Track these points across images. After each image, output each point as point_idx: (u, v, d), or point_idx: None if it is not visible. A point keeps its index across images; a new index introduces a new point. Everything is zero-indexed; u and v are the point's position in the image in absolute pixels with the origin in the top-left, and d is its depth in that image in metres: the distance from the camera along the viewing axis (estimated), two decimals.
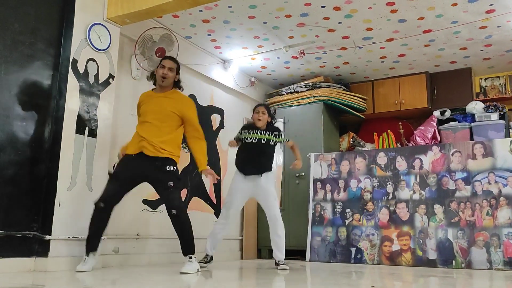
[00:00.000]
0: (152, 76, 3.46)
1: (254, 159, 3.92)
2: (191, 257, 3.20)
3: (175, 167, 3.27)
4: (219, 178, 3.38)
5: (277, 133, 4.00)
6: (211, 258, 3.88)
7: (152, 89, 3.49)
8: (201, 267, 3.48)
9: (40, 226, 3.22)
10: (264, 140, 3.94)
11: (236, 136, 4.12)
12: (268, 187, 3.92)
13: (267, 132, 3.97)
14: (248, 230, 5.54)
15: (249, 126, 4.05)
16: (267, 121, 4.00)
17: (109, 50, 3.74)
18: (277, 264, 3.90)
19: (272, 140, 3.96)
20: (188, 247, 3.22)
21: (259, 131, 3.96)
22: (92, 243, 3.14)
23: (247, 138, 3.95)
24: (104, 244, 3.62)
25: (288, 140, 4.15)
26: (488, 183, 4.42)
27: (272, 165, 4.07)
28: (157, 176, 3.22)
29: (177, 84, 3.45)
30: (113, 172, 3.32)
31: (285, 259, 3.98)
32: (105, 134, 3.65)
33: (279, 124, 5.84)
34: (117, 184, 3.20)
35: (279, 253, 3.93)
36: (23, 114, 3.22)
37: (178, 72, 3.43)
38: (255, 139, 3.93)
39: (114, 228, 3.81)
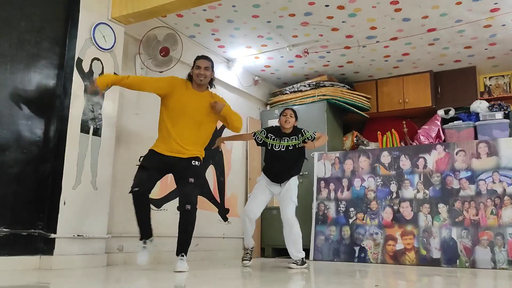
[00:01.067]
0: (189, 77, 3.44)
1: (284, 169, 3.94)
2: (183, 255, 3.21)
3: (199, 162, 3.32)
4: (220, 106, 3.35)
5: (300, 133, 3.94)
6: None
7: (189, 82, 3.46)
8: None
9: (45, 224, 3.24)
10: (291, 146, 3.92)
11: (258, 135, 4.02)
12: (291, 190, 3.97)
13: (293, 138, 3.93)
14: (255, 229, 5.53)
15: (275, 131, 4.00)
16: (294, 125, 4.00)
17: (113, 50, 3.75)
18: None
19: (299, 143, 3.91)
20: (186, 246, 3.23)
21: (285, 138, 3.93)
22: (144, 231, 3.22)
23: (275, 146, 3.93)
24: (109, 242, 3.64)
25: (314, 133, 4.00)
26: (492, 182, 4.41)
27: (300, 167, 4.07)
28: (181, 169, 3.25)
29: (211, 82, 3.49)
30: (141, 164, 3.29)
31: (289, 257, 4.01)
32: (109, 133, 3.67)
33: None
34: (147, 172, 3.21)
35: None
36: (28, 113, 3.24)
37: (213, 70, 3.46)
38: (283, 147, 3.91)
39: (118, 227, 3.83)
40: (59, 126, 3.39)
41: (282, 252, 5.65)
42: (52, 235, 3.17)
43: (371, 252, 4.77)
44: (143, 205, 3.20)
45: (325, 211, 5.15)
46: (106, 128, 3.63)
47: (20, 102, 3.20)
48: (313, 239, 5.10)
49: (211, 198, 5.08)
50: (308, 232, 5.16)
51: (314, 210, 5.22)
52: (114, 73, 3.65)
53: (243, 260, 4.02)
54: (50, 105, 3.40)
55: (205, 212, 4.94)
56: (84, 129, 3.47)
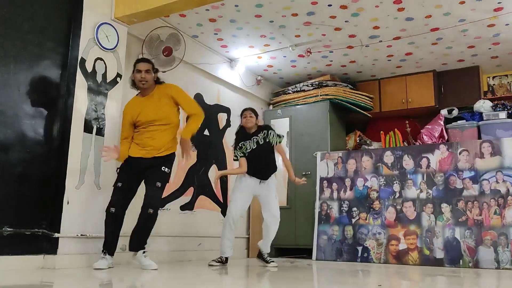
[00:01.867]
0: (133, 84, 3.41)
1: (262, 165, 4.02)
2: (145, 252, 3.22)
3: (169, 170, 3.31)
4: (192, 151, 3.34)
5: (266, 131, 4.05)
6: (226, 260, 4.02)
7: (136, 95, 3.47)
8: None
9: (49, 223, 3.25)
10: (261, 140, 4.02)
11: (238, 153, 4.03)
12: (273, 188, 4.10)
13: (259, 134, 4.03)
14: (254, 229, 5.55)
15: (242, 137, 4.06)
16: (256, 123, 4.09)
17: (116, 50, 3.76)
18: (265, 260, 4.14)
19: (266, 138, 4.03)
20: (143, 242, 3.23)
21: (254, 137, 4.02)
22: (109, 245, 3.19)
23: (247, 149, 4.00)
24: None
25: (278, 143, 4.12)
26: (496, 182, 4.40)
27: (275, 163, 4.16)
28: (151, 172, 3.26)
29: (157, 82, 3.43)
30: (117, 178, 3.30)
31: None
32: (112, 133, 3.67)
33: (284, 122, 5.86)
34: (123, 192, 3.23)
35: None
36: (32, 112, 3.25)
37: (154, 71, 3.39)
38: (254, 145, 4.00)
39: (122, 227, 3.83)
40: (63, 125, 3.39)
41: (285, 251, 5.66)
42: (56, 235, 3.18)
43: (374, 252, 4.77)
44: (116, 225, 3.20)
45: (328, 211, 5.14)
46: (109, 128, 3.64)
47: (23, 102, 3.20)
48: (316, 238, 5.10)
49: (213, 197, 5.08)
50: (311, 231, 5.16)
51: (316, 210, 5.21)
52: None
53: (212, 261, 3.94)
54: (54, 105, 3.41)
55: (207, 211, 4.95)
56: (87, 128, 3.47)
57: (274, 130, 4.15)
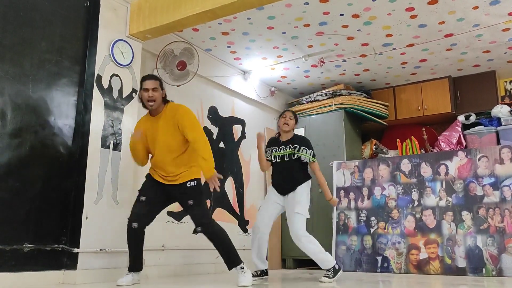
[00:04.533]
0: (141, 100, 3.23)
1: (280, 181, 3.78)
2: (242, 268, 3.08)
3: (195, 182, 3.15)
4: (218, 185, 3.05)
5: (298, 146, 3.74)
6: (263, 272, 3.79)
7: (147, 114, 3.33)
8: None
9: (68, 239, 3.28)
10: (286, 157, 3.76)
11: (267, 155, 3.93)
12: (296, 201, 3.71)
13: (288, 146, 3.77)
14: (272, 240, 5.52)
15: (274, 142, 3.90)
16: (293, 127, 3.84)
17: (131, 65, 3.82)
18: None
19: (295, 154, 3.74)
20: (229, 259, 3.11)
21: (282, 147, 3.79)
22: (133, 263, 3.14)
23: (273, 157, 3.84)
24: None
25: (311, 161, 3.77)
26: None
27: (304, 176, 3.80)
28: (179, 196, 3.18)
29: (164, 100, 3.22)
30: (140, 194, 3.20)
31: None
32: (129, 148, 3.71)
33: (299, 132, 5.84)
34: (146, 207, 3.16)
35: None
36: (50, 130, 3.31)
37: (162, 88, 3.20)
38: (279, 158, 3.80)
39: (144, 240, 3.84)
40: (80, 141, 3.45)
41: (303, 263, 5.61)
42: (76, 250, 3.21)
43: (394, 262, 4.70)
44: (138, 240, 3.13)
45: (346, 221, 5.09)
46: (125, 142, 3.68)
47: (42, 119, 3.27)
48: (335, 249, 5.05)
49: (230, 210, 5.08)
50: (329, 242, 5.11)
51: (334, 220, 5.17)
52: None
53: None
54: (71, 122, 3.47)
55: (225, 224, 4.90)
56: (105, 144, 3.52)
57: (308, 148, 3.76)
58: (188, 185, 3.12)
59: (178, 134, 3.14)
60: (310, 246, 3.65)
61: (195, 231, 3.12)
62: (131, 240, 3.12)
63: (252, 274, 3.54)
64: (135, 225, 3.08)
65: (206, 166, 3.04)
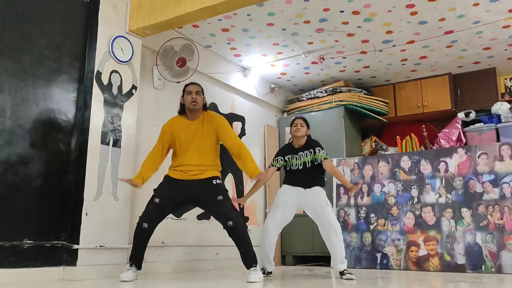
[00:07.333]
0: (182, 109, 3.42)
1: (302, 181, 3.72)
2: (255, 266, 3.16)
3: (220, 180, 3.32)
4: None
5: (313, 150, 3.70)
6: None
7: (181, 116, 3.45)
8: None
9: (68, 235, 3.29)
10: (309, 163, 3.70)
11: (275, 164, 3.81)
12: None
13: (307, 152, 3.71)
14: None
15: (289, 149, 3.81)
16: (307, 134, 3.79)
17: (131, 62, 3.81)
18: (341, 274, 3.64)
19: (316, 159, 3.68)
20: (250, 258, 3.17)
21: (301, 154, 3.72)
22: (136, 257, 3.17)
23: (293, 165, 3.74)
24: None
25: (324, 159, 3.68)
26: None
27: (323, 179, 3.81)
28: (204, 194, 3.23)
29: (205, 107, 3.44)
30: (156, 195, 3.23)
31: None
32: (129, 144, 3.71)
33: None
34: (159, 209, 3.19)
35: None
36: (50, 126, 3.31)
37: (203, 95, 3.44)
38: (301, 165, 3.71)
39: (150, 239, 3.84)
40: (80, 138, 3.45)
41: (303, 259, 5.63)
42: (75, 246, 3.22)
43: (393, 259, 4.71)
44: (145, 240, 3.18)
45: (345, 218, 5.10)
46: (125, 139, 3.68)
47: (42, 116, 3.26)
48: None
49: None
50: None
51: None
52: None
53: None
54: (71, 118, 3.46)
55: None
56: (104, 140, 3.52)
57: (321, 148, 3.73)
58: (214, 182, 3.26)
59: (213, 140, 3.36)
60: (341, 239, 3.67)
61: (226, 226, 3.14)
62: (138, 239, 3.16)
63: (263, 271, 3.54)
64: (145, 225, 3.12)
65: (256, 167, 3.35)
